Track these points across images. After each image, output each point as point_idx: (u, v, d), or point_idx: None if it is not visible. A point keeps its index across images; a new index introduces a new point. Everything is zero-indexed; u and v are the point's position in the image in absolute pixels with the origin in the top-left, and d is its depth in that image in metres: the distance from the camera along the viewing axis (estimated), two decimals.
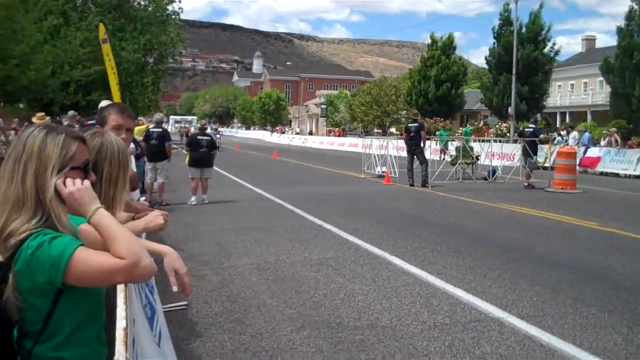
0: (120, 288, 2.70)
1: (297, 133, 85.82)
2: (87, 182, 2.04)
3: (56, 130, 2.08)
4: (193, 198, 14.28)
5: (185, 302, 6.30)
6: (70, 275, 1.86)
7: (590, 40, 71.40)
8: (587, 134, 30.46)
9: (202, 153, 14.65)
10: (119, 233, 1.95)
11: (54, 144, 2.02)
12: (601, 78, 47.55)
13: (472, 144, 23.54)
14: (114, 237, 1.93)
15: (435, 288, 6.98)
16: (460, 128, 40.28)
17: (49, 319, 1.94)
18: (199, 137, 14.97)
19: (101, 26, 16.27)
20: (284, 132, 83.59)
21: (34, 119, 18.22)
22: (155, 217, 2.90)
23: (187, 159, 14.98)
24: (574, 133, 32.25)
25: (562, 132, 33.33)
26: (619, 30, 40.33)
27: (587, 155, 27.23)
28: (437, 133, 30.12)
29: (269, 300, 6.50)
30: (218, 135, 45.52)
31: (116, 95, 14.73)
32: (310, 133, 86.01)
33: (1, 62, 28.12)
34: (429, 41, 55.52)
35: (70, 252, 1.86)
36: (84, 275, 1.88)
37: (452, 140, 26.06)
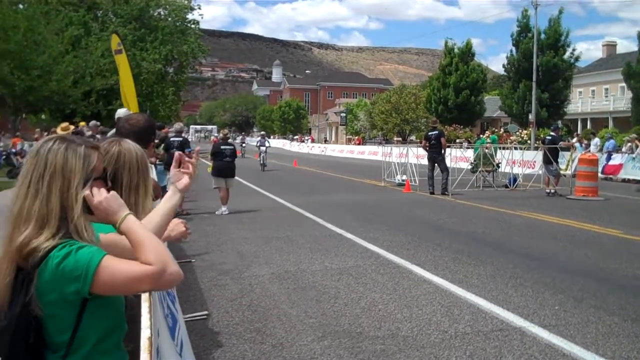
0: (144, 297, 2.72)
1: (312, 141, 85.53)
2: (113, 191, 2.04)
3: (74, 142, 2.04)
4: (224, 208, 14.23)
5: (205, 312, 6.35)
6: (98, 284, 1.86)
7: (610, 46, 70.91)
8: (612, 141, 30.05)
9: (226, 162, 14.70)
10: (147, 239, 1.94)
11: (75, 158, 1.99)
12: (622, 84, 47.28)
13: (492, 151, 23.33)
14: (143, 243, 1.93)
15: (457, 297, 6.95)
16: (481, 135, 39.73)
17: (76, 329, 1.93)
18: (222, 147, 15.00)
19: (114, 37, 16.21)
20: (303, 141, 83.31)
21: (58, 130, 18.35)
22: (177, 225, 2.93)
23: (210, 168, 15.04)
24: (596, 140, 31.93)
25: (583, 140, 32.90)
26: None
27: (609, 163, 26.79)
28: (490, 139, 27.23)
29: (289, 309, 6.51)
30: (263, 148, 34.01)
31: (133, 107, 14.68)
32: (325, 140, 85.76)
33: (23, 73, 28.51)
34: (445, 49, 55.18)
35: (97, 260, 1.86)
36: (111, 284, 1.88)
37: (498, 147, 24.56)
